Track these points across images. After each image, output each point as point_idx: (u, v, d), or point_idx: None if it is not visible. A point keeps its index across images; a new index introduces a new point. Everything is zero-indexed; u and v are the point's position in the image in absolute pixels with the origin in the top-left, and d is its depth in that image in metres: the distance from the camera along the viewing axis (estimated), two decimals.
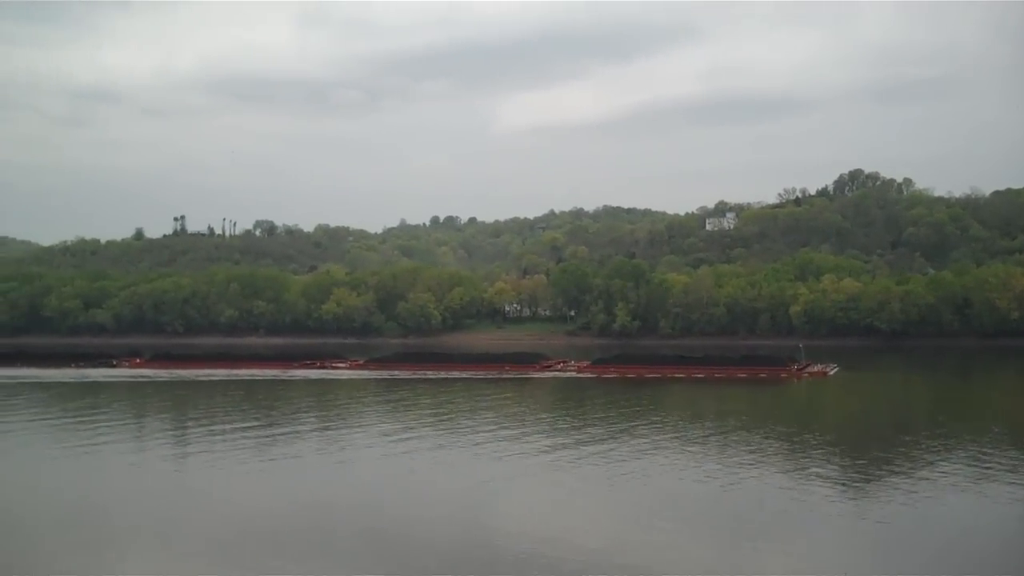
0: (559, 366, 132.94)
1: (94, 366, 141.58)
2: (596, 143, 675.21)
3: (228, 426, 74.90)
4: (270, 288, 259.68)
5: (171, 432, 75.51)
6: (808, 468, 54.80)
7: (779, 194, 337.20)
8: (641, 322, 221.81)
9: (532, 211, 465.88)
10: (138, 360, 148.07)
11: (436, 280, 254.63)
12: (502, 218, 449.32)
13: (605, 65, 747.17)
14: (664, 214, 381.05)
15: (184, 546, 39.75)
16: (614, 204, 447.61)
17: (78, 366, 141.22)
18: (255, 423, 76.75)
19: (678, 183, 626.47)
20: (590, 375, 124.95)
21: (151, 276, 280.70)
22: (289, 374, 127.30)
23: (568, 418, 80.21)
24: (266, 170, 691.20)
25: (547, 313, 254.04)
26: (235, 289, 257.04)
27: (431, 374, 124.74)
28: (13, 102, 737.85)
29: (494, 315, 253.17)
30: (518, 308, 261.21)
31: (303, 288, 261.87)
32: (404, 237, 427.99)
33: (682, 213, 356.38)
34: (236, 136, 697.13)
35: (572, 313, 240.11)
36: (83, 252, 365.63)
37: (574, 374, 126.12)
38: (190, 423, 79.01)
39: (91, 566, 36.57)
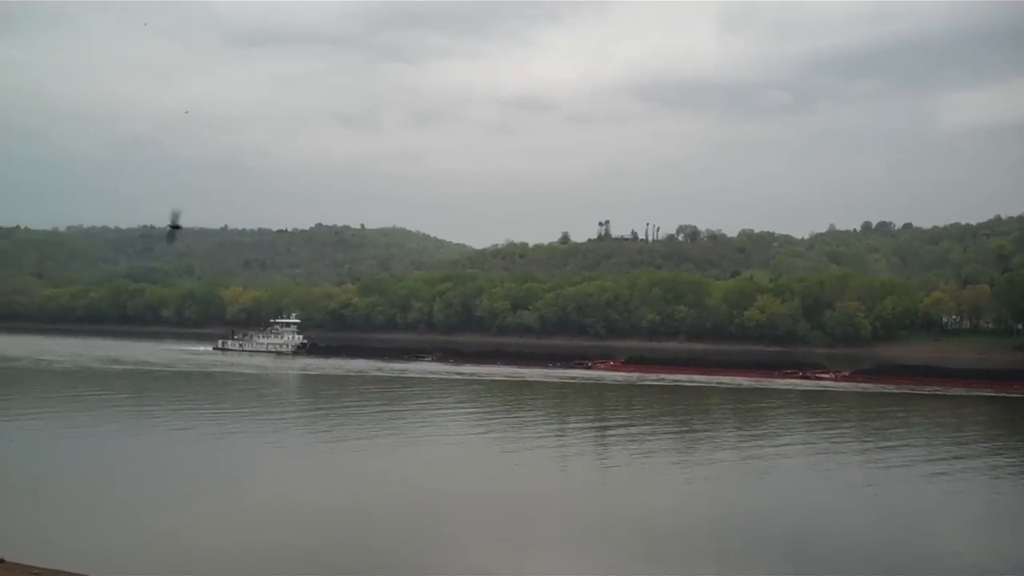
0: None
1: (569, 367, 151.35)
2: None
3: (722, 434, 77.88)
4: (692, 293, 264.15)
5: (614, 435, 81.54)
6: None
7: None
8: None
9: (975, 216, 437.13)
10: (611, 363, 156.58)
11: (866, 288, 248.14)
12: (941, 224, 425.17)
13: None
14: None
15: (600, 543, 41.96)
16: None
17: (554, 366, 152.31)
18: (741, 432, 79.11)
19: None
20: None
21: (575, 279, 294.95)
22: (770, 383, 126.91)
23: None
24: (689, 174, 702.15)
25: (990, 326, 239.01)
26: (657, 293, 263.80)
27: (929, 389, 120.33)
28: (451, 113, 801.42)
29: (929, 326, 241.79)
30: (956, 320, 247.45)
31: (725, 293, 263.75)
32: (833, 243, 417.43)
33: None
34: (658, 140, 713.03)
35: (1020, 327, 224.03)
36: (512, 255, 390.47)
37: None
38: (650, 426, 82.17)
39: (504, 558, 39.68)
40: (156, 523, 42.02)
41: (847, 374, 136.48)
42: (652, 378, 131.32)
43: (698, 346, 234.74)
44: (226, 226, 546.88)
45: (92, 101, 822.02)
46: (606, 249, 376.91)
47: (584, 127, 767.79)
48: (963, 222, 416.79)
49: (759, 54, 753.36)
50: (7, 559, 33.10)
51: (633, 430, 77.93)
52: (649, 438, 72.27)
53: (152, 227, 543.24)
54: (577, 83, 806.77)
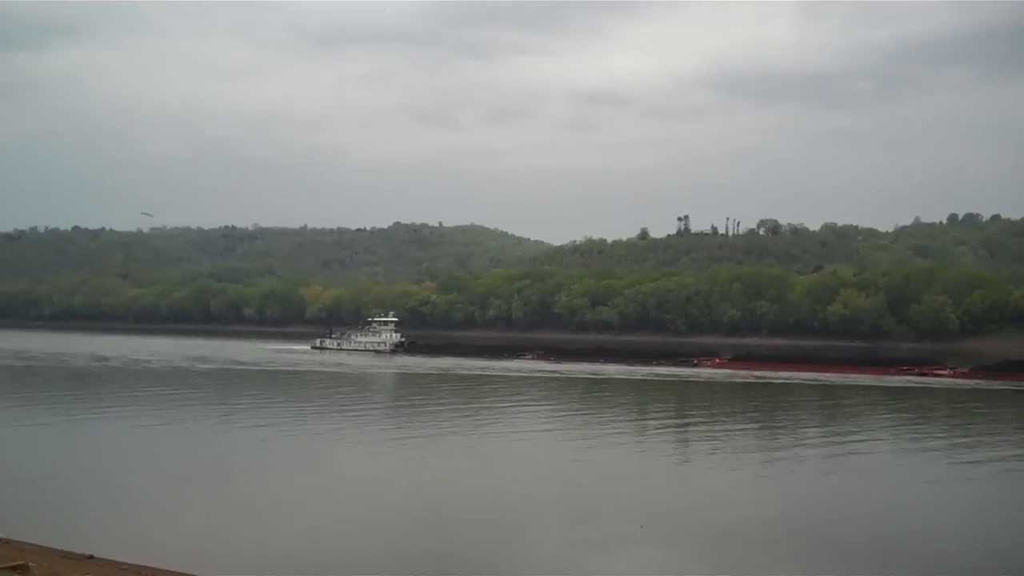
0: None
1: (676, 365, 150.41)
2: None
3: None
4: (773, 288, 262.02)
5: (695, 430, 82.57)
6: None
7: None
8: None
9: None
10: (717, 360, 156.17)
11: (953, 281, 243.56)
12: None
13: None
14: None
15: (667, 538, 41.73)
16: None
17: (659, 363, 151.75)
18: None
19: None
20: None
21: (655, 275, 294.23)
22: (888, 381, 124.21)
23: None
24: (770, 167, 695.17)
25: None
26: (738, 289, 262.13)
27: None
28: (527, 110, 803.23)
29: (1019, 320, 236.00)
30: None
31: (807, 288, 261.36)
32: (918, 236, 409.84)
33: None
34: (738, 134, 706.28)
35: None
36: (590, 251, 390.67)
37: None
38: (738, 423, 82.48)
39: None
40: (242, 519, 43.17)
41: (966, 371, 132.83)
42: (779, 376, 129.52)
43: (780, 342, 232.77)
44: (305, 225, 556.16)
45: (172, 103, 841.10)
46: (685, 244, 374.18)
47: (661, 122, 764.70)
48: None
49: (840, 44, 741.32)
50: (97, 555, 34.19)
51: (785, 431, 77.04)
52: (800, 442, 70.52)
53: (234, 227, 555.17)
54: (654, 77, 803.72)
